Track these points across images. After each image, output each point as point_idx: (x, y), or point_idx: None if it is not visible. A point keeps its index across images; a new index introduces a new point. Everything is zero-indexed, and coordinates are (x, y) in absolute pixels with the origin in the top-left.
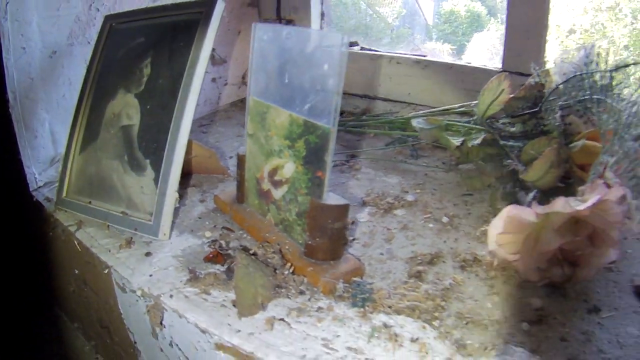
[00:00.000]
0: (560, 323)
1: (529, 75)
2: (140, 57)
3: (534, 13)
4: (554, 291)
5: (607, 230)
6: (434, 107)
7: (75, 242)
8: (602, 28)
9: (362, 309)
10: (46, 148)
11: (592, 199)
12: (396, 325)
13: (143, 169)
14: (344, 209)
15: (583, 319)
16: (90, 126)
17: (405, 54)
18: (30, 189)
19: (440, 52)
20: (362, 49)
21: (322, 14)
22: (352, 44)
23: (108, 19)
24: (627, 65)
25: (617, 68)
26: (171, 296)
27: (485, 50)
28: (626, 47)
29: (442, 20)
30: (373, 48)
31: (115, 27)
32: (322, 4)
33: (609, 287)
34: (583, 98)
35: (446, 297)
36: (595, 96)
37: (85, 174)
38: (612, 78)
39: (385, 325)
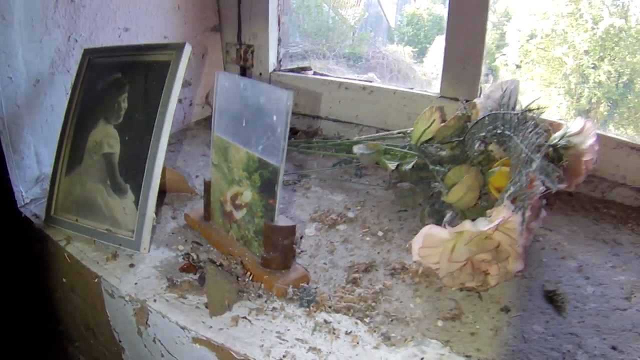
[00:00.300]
0: (472, 321)
1: (465, 101)
2: (118, 91)
3: (470, 45)
4: (471, 294)
5: (511, 246)
6: (379, 128)
7: (66, 255)
8: (563, 33)
9: (307, 309)
10: (32, 168)
11: (496, 221)
12: (334, 321)
13: (124, 192)
14: (291, 229)
15: (493, 318)
16: (74, 151)
17: (353, 79)
18: (18, 206)
19: (402, 54)
20: (314, 73)
21: (279, 40)
22: (305, 69)
23: (87, 52)
24: (530, 110)
25: (522, 112)
26: (155, 300)
27: None
28: (586, 52)
29: (404, 22)
30: (324, 73)
31: (94, 60)
32: (279, 30)
33: (521, 291)
34: (498, 132)
35: (376, 299)
36: (506, 132)
37: (72, 194)
38: (518, 119)
39: (326, 322)
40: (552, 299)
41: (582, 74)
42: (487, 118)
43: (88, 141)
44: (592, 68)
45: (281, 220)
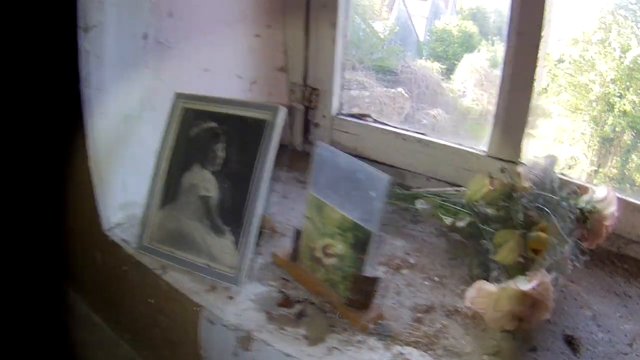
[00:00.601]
0: (508, 357)
1: (508, 161)
2: (214, 140)
3: (518, 111)
4: (508, 335)
5: (544, 301)
6: (430, 177)
7: (162, 282)
8: (591, 60)
9: (385, 342)
10: (118, 196)
11: (533, 283)
12: (407, 353)
13: (223, 233)
14: (376, 280)
15: (524, 355)
16: (168, 188)
17: (408, 130)
18: (104, 229)
19: (430, 70)
20: (374, 121)
21: (342, 85)
22: (365, 116)
23: (180, 97)
24: (569, 194)
25: (561, 200)
26: (258, 331)
27: (475, 71)
28: (613, 81)
29: (433, 38)
30: (384, 122)
31: (186, 105)
32: (342, 77)
33: (546, 334)
34: (538, 206)
35: (437, 335)
36: (546, 208)
37: (166, 228)
38: (558, 202)
39: (401, 353)
40: (570, 342)
41: (607, 102)
42: (529, 194)
43: (182, 181)
44: (618, 97)
45: (368, 272)
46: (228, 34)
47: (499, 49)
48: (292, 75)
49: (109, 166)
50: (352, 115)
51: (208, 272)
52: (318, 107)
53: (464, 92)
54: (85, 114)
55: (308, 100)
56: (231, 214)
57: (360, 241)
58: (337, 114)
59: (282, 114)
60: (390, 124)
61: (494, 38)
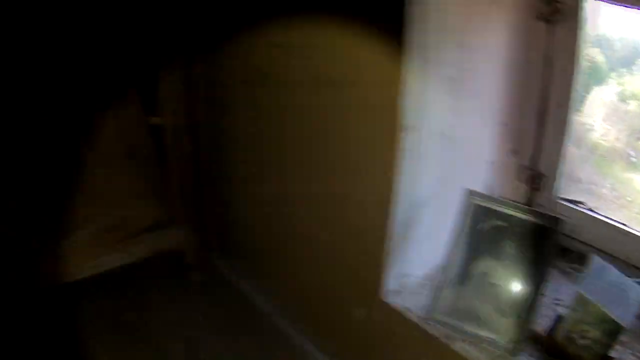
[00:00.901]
0: None
1: None
2: (504, 238)
3: None
4: None
5: None
6: (632, 265)
7: (446, 349)
8: None
9: None
10: (399, 267)
11: None
12: None
13: (508, 316)
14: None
15: None
16: (460, 272)
17: (616, 221)
18: (381, 295)
19: None
20: (589, 209)
21: (566, 175)
22: (579, 202)
23: (472, 194)
24: None
25: None
26: None
27: (603, 104)
28: None
29: None
30: (595, 210)
31: (476, 202)
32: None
33: None
34: None
35: None
36: None
37: (457, 305)
38: None
39: None
40: None
41: None
42: None
43: (474, 268)
44: None
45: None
46: (485, 122)
47: (627, 82)
48: (521, 158)
49: (397, 243)
50: (569, 201)
51: (493, 344)
52: (541, 189)
53: (592, 125)
54: (394, 201)
55: (532, 182)
56: (518, 300)
57: (614, 332)
58: (557, 198)
59: (561, 224)
60: (601, 213)
61: (622, 70)
